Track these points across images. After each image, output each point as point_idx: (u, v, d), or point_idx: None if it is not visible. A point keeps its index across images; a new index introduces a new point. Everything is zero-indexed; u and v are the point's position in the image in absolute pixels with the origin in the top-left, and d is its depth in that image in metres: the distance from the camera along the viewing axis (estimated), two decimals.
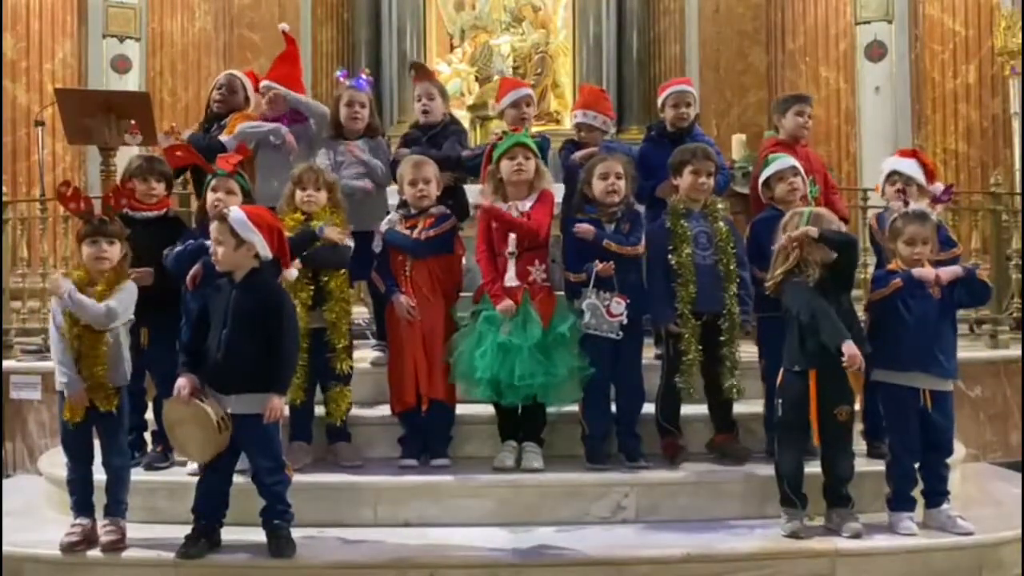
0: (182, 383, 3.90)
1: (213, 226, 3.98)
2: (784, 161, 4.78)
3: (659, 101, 5.53)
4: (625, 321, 4.43)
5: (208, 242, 4.28)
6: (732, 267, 4.60)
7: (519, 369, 4.39)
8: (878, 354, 4.24)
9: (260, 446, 3.95)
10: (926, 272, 4.19)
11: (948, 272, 4.21)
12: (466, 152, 5.20)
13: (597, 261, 4.45)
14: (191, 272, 4.37)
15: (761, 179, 4.80)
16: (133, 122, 5.31)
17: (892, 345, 4.21)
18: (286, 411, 4.35)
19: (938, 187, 4.82)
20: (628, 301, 4.44)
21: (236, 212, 3.94)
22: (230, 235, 3.90)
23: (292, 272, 4.16)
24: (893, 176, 4.76)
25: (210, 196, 4.49)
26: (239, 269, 3.95)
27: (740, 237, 4.77)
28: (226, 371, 3.88)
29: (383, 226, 4.71)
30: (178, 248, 4.42)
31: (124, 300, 4.03)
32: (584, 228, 4.54)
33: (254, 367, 3.87)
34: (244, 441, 3.95)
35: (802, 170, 4.80)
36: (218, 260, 3.96)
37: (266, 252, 3.94)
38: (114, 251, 4.06)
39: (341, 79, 5.60)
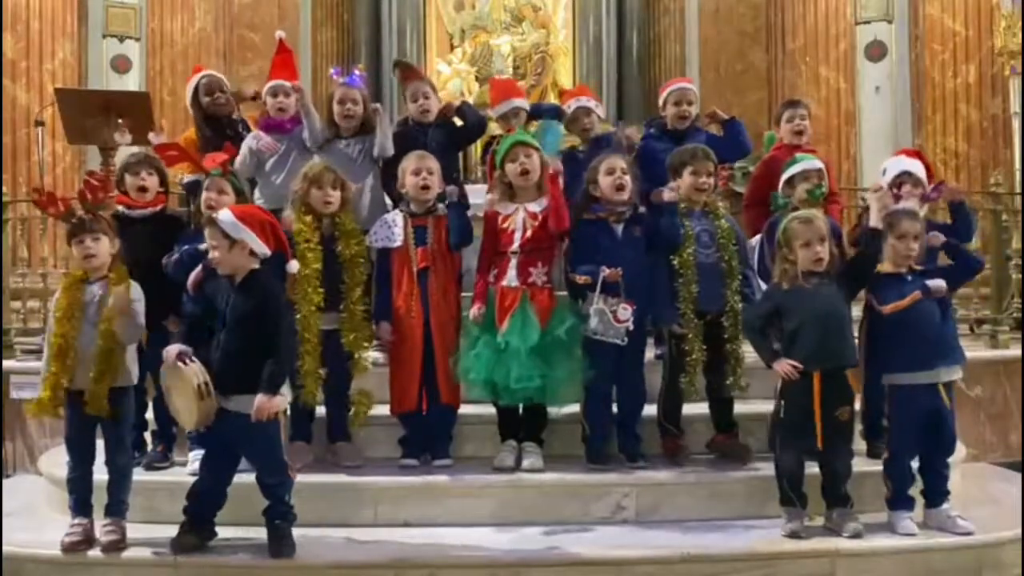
0: (169, 348, 3.88)
1: (206, 231, 3.98)
2: (813, 162, 4.79)
3: (660, 100, 5.54)
4: (631, 327, 4.41)
5: (204, 246, 4.28)
6: (734, 264, 4.60)
7: (515, 371, 4.39)
8: (889, 359, 4.26)
9: (259, 448, 3.95)
10: (939, 284, 4.21)
11: (935, 284, 4.23)
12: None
13: (604, 267, 4.43)
14: (192, 277, 4.37)
15: (786, 176, 4.78)
16: (121, 120, 5.30)
17: (904, 347, 4.20)
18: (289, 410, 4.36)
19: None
20: (635, 307, 4.42)
21: (224, 214, 3.94)
22: (222, 237, 3.90)
23: (294, 264, 4.16)
24: (903, 176, 4.75)
25: (203, 196, 4.50)
26: (240, 270, 3.94)
27: (742, 234, 4.78)
28: (224, 372, 3.88)
29: (390, 236, 4.67)
30: (175, 256, 4.41)
31: (141, 307, 4.05)
32: (661, 193, 4.53)
33: (251, 368, 3.84)
34: (243, 443, 3.95)
35: (827, 174, 4.83)
36: (218, 264, 3.96)
37: (262, 249, 3.94)
38: (100, 246, 4.04)
39: (334, 76, 5.58)
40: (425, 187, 4.63)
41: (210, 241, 3.96)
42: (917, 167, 4.77)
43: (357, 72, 5.51)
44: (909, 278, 4.25)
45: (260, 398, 3.80)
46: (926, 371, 4.20)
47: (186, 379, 3.80)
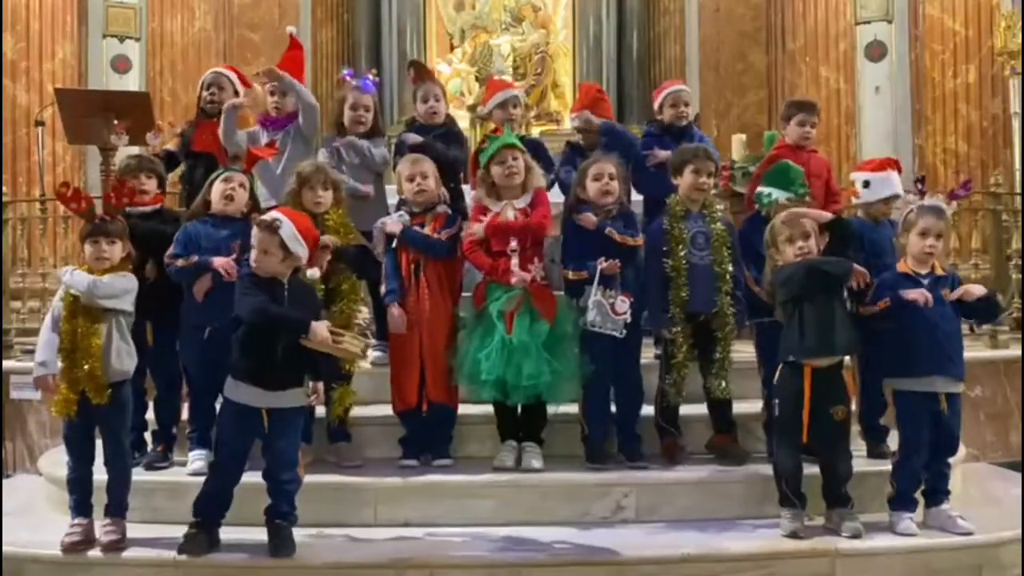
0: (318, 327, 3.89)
1: (260, 235, 3.93)
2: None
3: (656, 103, 5.57)
4: (629, 319, 4.44)
5: (214, 260, 4.32)
6: (727, 267, 4.60)
7: (527, 368, 4.39)
8: (892, 361, 4.26)
9: (290, 440, 3.99)
10: (914, 294, 4.17)
11: (958, 293, 4.22)
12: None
13: (602, 259, 4.45)
14: (200, 286, 4.40)
15: (767, 189, 4.75)
16: (117, 122, 5.30)
17: (908, 351, 4.20)
18: None
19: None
20: (632, 299, 4.45)
21: (287, 225, 3.94)
22: (279, 248, 3.91)
23: (315, 271, 4.17)
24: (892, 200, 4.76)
25: (221, 185, 4.50)
26: (282, 275, 3.97)
27: (737, 236, 4.78)
28: (284, 371, 3.92)
29: (393, 225, 4.67)
30: (180, 263, 4.41)
31: (116, 282, 4.03)
32: (585, 217, 4.53)
33: (296, 364, 3.95)
34: (276, 435, 3.95)
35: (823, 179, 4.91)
36: (259, 268, 3.95)
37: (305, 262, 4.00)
38: (115, 250, 4.07)
39: (347, 78, 5.58)
40: (421, 191, 4.66)
41: (263, 246, 3.93)
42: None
43: (370, 77, 5.51)
44: (925, 282, 4.23)
45: (320, 384, 4.09)
46: (921, 379, 4.20)
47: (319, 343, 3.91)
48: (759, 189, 4.74)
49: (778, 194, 4.61)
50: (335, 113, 5.28)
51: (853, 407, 4.31)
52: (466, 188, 5.42)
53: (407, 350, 4.64)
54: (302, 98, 5.19)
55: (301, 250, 3.95)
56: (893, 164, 4.95)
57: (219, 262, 4.33)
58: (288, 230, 3.93)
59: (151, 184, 4.74)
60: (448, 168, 5.07)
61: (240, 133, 5.18)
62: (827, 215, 4.19)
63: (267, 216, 4.03)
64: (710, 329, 4.61)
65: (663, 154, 5.18)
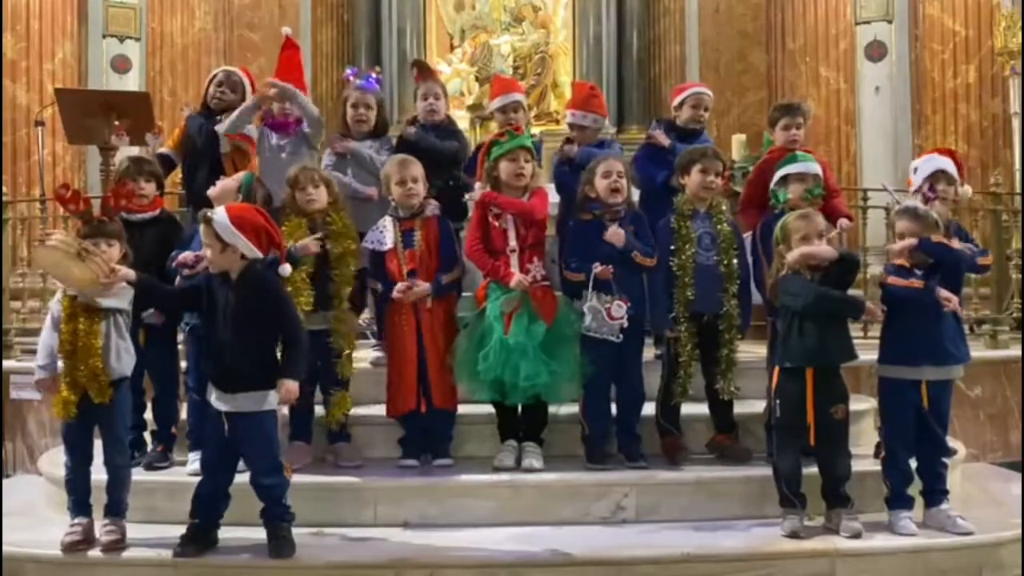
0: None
1: (201, 229, 3.97)
2: (810, 165, 4.76)
3: (676, 100, 5.56)
4: (626, 324, 4.44)
5: (188, 254, 4.35)
6: (734, 267, 4.61)
7: (524, 369, 4.39)
8: (886, 349, 4.28)
9: (259, 445, 3.95)
10: (947, 298, 4.18)
11: (901, 246, 4.21)
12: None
13: (597, 264, 4.45)
14: (177, 284, 4.42)
15: (781, 173, 4.74)
16: (118, 123, 5.30)
17: (898, 341, 4.22)
18: (284, 409, 4.35)
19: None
20: (629, 304, 4.45)
21: (220, 215, 3.91)
22: (215, 239, 3.89)
23: (287, 268, 4.15)
24: (937, 175, 4.70)
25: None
26: (231, 270, 3.94)
27: (743, 238, 4.79)
28: (232, 371, 3.89)
29: (381, 239, 4.66)
30: (174, 264, 4.43)
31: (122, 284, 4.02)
32: (614, 233, 4.51)
33: (257, 365, 3.89)
34: (243, 441, 3.95)
35: (827, 174, 4.87)
36: (210, 263, 3.95)
37: (253, 253, 3.93)
38: (113, 251, 4.06)
39: (351, 77, 5.57)
40: (410, 195, 4.65)
41: (204, 240, 3.96)
42: (949, 165, 4.74)
43: (373, 75, 5.50)
44: (919, 272, 4.23)
45: (289, 383, 3.88)
46: (911, 367, 4.21)
47: (64, 248, 3.84)
48: (773, 188, 4.74)
49: (801, 167, 4.64)
50: (340, 113, 5.28)
51: (855, 406, 4.31)
52: None
53: (404, 357, 4.64)
54: (308, 113, 5.20)
55: (237, 240, 3.88)
56: (947, 152, 4.96)
57: (180, 257, 4.37)
58: (221, 220, 3.88)
59: (149, 188, 4.74)
60: (446, 160, 5.07)
61: (249, 127, 5.20)
62: (834, 253, 4.17)
63: (206, 210, 4.02)
64: (714, 329, 4.61)
65: (663, 137, 5.24)
